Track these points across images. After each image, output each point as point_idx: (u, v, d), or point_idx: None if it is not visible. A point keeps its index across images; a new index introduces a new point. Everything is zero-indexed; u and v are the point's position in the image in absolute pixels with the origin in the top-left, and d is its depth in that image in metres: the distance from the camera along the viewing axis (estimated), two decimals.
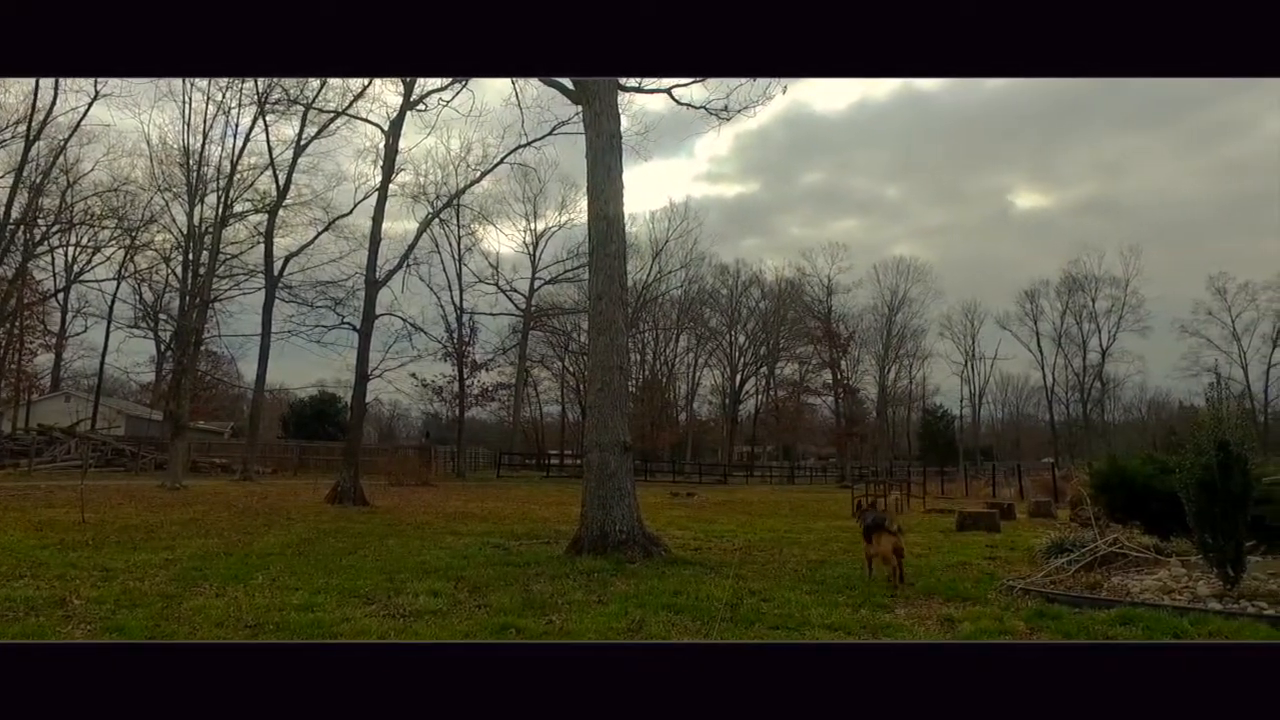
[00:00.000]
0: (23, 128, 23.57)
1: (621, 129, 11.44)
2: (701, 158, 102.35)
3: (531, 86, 20.54)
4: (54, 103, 22.74)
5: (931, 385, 72.63)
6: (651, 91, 14.34)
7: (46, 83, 22.15)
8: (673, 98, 14.19)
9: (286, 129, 33.58)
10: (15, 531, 10.83)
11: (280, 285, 33.49)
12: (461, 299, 45.06)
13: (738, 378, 64.26)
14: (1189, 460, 6.34)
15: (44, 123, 23.17)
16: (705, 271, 61.38)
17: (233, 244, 34.36)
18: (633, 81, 13.97)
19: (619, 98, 11.84)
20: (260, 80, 28.59)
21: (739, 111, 16.08)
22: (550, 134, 25.80)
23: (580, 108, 11.94)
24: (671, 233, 57.06)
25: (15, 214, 24.00)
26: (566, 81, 12.29)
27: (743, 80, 16.18)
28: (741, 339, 65.00)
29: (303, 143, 32.13)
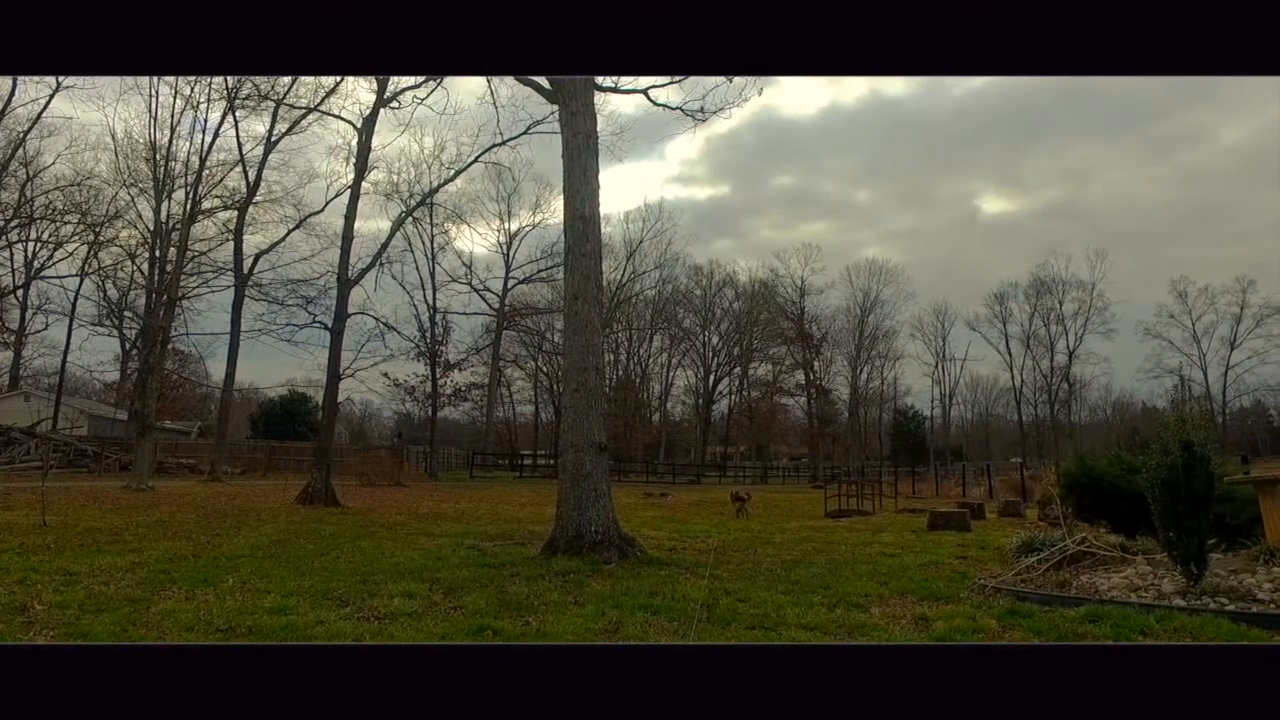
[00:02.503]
0: None
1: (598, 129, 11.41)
2: (673, 160, 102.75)
3: (506, 86, 20.53)
4: (12, 93, 22.40)
5: (903, 386, 73.62)
6: (628, 92, 14.36)
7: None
8: (649, 99, 14.21)
9: (257, 125, 33.32)
10: None
11: (250, 283, 33.04)
12: (434, 298, 44.76)
13: (711, 378, 64.50)
14: (1155, 460, 6.47)
15: (1, 114, 22.61)
16: (679, 272, 61.67)
17: (201, 241, 33.88)
18: (609, 81, 13.97)
19: (595, 98, 11.82)
20: (230, 75, 28.19)
21: (715, 113, 16.15)
22: (525, 133, 25.80)
23: (556, 107, 11.91)
24: (646, 233, 57.24)
25: None
26: (543, 81, 12.25)
27: (719, 82, 16.25)
28: (715, 339, 65.30)
29: (273, 139, 31.76)
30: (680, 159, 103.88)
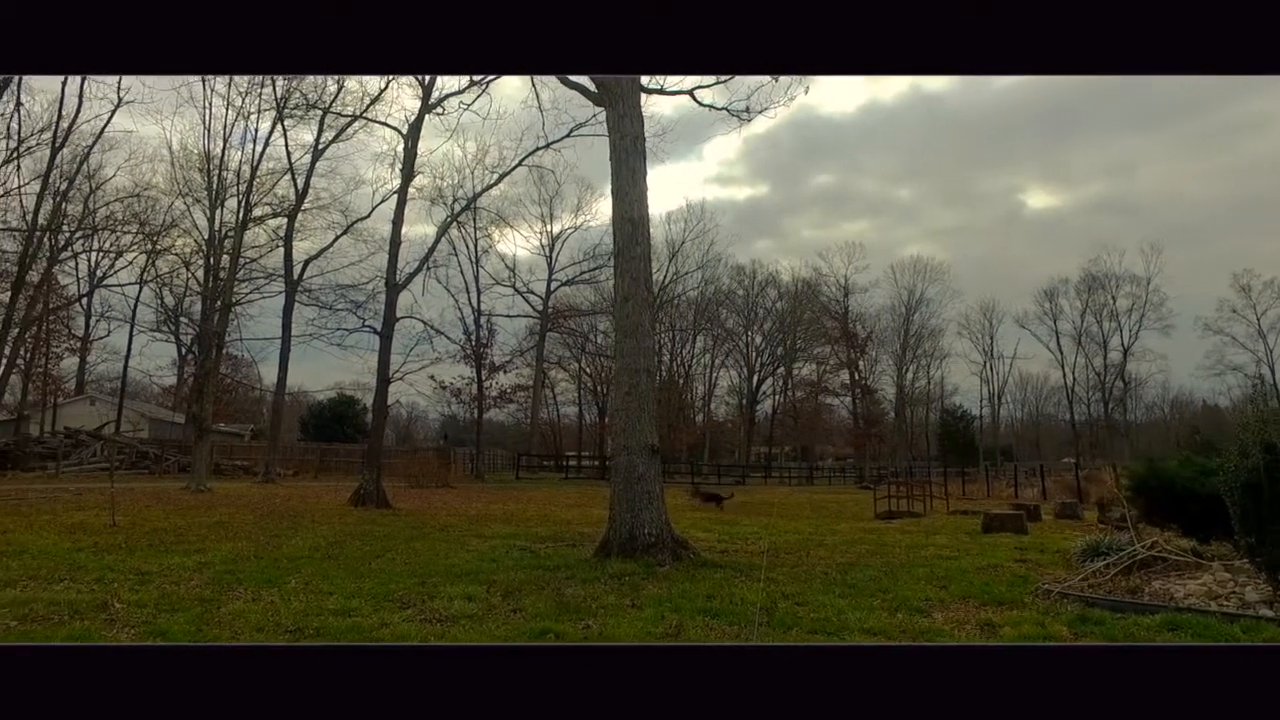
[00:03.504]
0: (48, 135, 23.86)
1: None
2: (711, 161, 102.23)
3: (548, 89, 20.65)
4: (78, 111, 23.06)
5: (950, 385, 72.24)
6: (674, 93, 14.33)
7: (71, 90, 22.53)
8: (695, 99, 14.17)
9: (305, 134, 33.91)
10: (50, 534, 10.94)
11: (300, 289, 33.72)
12: (479, 301, 45.22)
13: (755, 378, 64.13)
14: (1233, 462, 6.24)
15: (68, 130, 23.45)
16: (721, 272, 61.36)
17: (252, 248, 34.67)
18: (655, 83, 13.97)
19: (640, 100, 11.82)
20: (279, 85, 28.81)
21: (759, 112, 16.04)
22: (567, 136, 25.88)
23: (599, 110, 11.94)
24: (688, 234, 57.07)
25: (42, 221, 24.24)
26: (589, 83, 12.28)
27: (764, 81, 16.14)
28: (758, 340, 64.90)
29: (321, 147, 32.35)
30: (719, 159, 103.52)
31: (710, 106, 14.78)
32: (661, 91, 14.30)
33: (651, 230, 10.92)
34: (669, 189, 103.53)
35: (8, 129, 23.21)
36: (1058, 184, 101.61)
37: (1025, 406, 78.97)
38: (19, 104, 22.51)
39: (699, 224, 58.20)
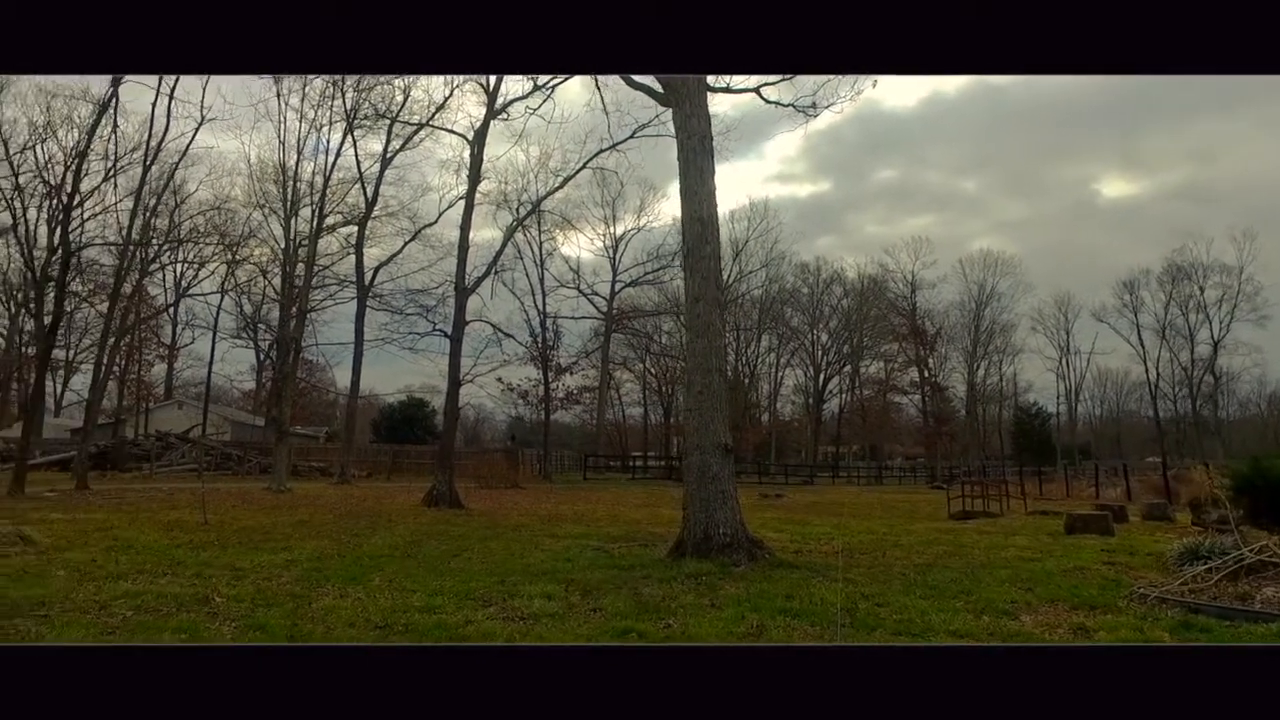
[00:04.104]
0: (139, 154, 25.07)
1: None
2: (772, 158, 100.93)
3: (611, 90, 20.74)
4: (166, 129, 24.13)
5: (1023, 382, 69.86)
6: (740, 91, 14.24)
7: (160, 110, 23.61)
8: (760, 96, 14.09)
9: (374, 143, 34.66)
10: (150, 531, 11.49)
11: (371, 294, 34.62)
12: (544, 304, 45.75)
13: (821, 377, 63.27)
14: None
15: (157, 149, 24.58)
16: (785, 271, 60.68)
17: (325, 255, 35.72)
18: (721, 81, 13.92)
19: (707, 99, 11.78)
20: (348, 96, 29.63)
21: (826, 107, 15.85)
22: (631, 137, 25.88)
23: (660, 110, 11.97)
24: (751, 232, 56.58)
25: (134, 236, 25.47)
26: (654, 83, 12.31)
27: (831, 75, 15.92)
28: (824, 338, 63.97)
29: (389, 155, 33.13)
30: (780, 157, 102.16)
31: (776, 103, 14.68)
32: (728, 90, 14.24)
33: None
34: (731, 187, 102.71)
35: (105, 151, 24.45)
36: (1134, 171, 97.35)
37: (1104, 403, 75.93)
38: (115, 126, 23.66)
39: (762, 222, 57.39)
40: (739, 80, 14.16)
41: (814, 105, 15.39)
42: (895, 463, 64.57)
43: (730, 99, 25.73)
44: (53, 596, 6.50)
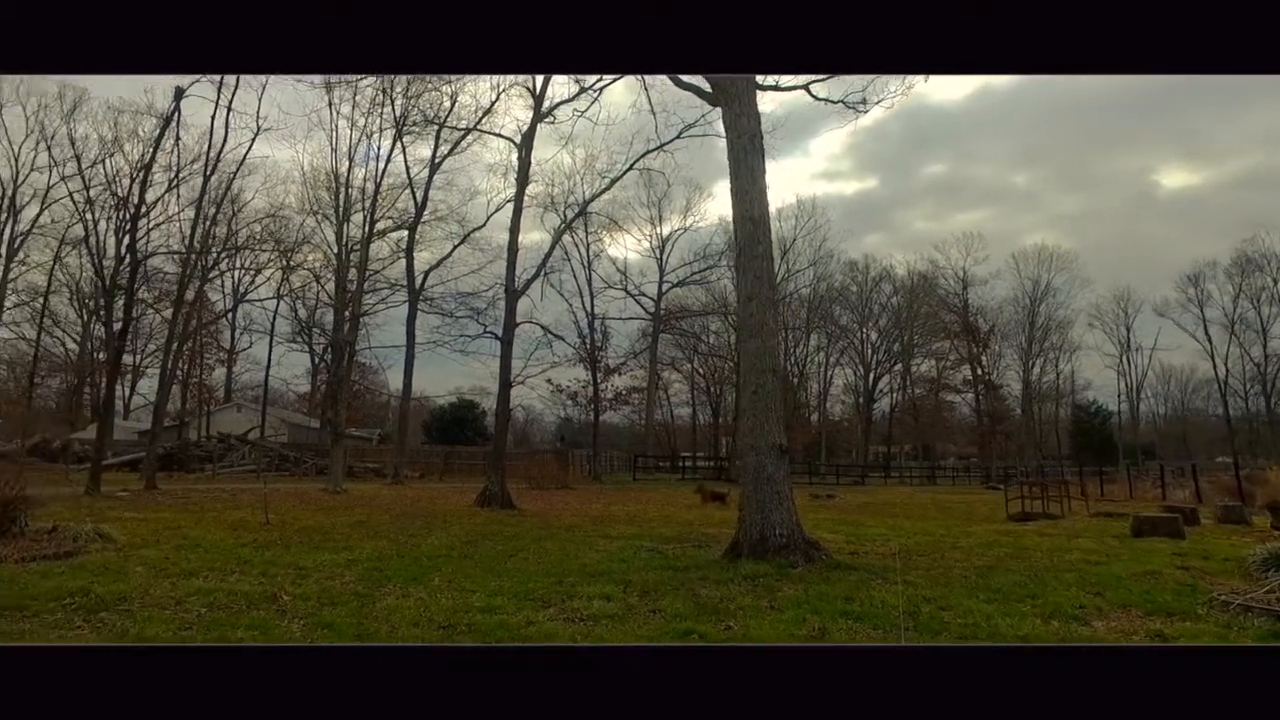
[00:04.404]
0: (198, 165, 25.88)
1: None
2: (817, 156, 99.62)
3: (656, 91, 20.71)
4: (225, 140, 24.84)
5: (1081, 379, 67.85)
6: (789, 89, 14.10)
7: (219, 122, 24.31)
8: (810, 93, 13.95)
9: (423, 149, 35.26)
10: (217, 531, 11.83)
11: (422, 298, 35.17)
12: (592, 305, 45.98)
13: (871, 376, 62.38)
14: None
15: (216, 160, 25.33)
16: (834, 269, 59.94)
17: (377, 260, 36.38)
18: (769, 80, 13.81)
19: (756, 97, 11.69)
20: (398, 104, 30.15)
21: (877, 103, 15.62)
22: (678, 137, 25.87)
23: (707, 110, 11.90)
24: (799, 231, 55.97)
25: (196, 244, 26.31)
26: (703, 83, 12.27)
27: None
28: (874, 336, 63.04)
29: (437, 161, 33.63)
30: (826, 154, 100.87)
31: (825, 100, 14.52)
32: (776, 88, 14.11)
33: None
34: (777, 186, 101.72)
35: (168, 163, 25.31)
36: (1195, 160, 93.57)
37: (1168, 401, 73.29)
38: (177, 138, 24.48)
39: (809, 220, 56.72)
40: (787, 78, 14.04)
41: (864, 101, 15.21)
42: (948, 463, 63.38)
43: (775, 96, 25.46)
44: (132, 592, 6.73)
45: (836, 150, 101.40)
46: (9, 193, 44.25)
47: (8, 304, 45.59)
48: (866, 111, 15.65)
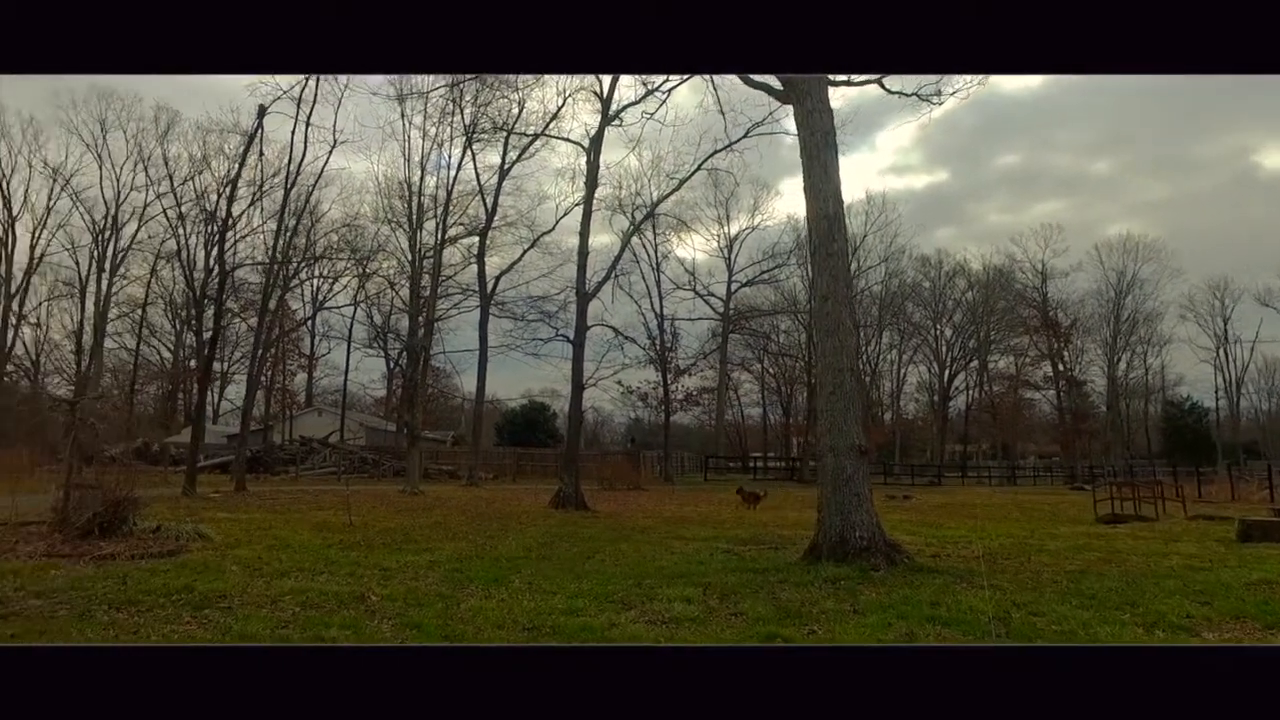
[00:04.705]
0: (279, 179, 26.94)
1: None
2: (885, 150, 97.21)
3: (724, 90, 20.58)
4: (304, 154, 25.77)
5: (1173, 374, 64.50)
6: (861, 83, 13.82)
7: (298, 137, 25.27)
8: (883, 86, 13.64)
9: (492, 155, 35.85)
10: (303, 531, 12.25)
11: (493, 302, 35.77)
12: (661, 306, 46.04)
13: (946, 373, 60.76)
14: None
15: (296, 173, 26.30)
16: (905, 265, 58.54)
17: (449, 266, 37.17)
18: (841, 75, 13.57)
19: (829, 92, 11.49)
20: (467, 112, 30.72)
21: (951, 94, 15.20)
22: (745, 136, 25.64)
23: (774, 107, 11.76)
24: (869, 227, 54.84)
25: (278, 254, 27.38)
26: (774, 81, 12.13)
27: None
28: (948, 332, 61.35)
29: (506, 167, 34.15)
30: (894, 148, 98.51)
31: (899, 93, 14.20)
32: (848, 83, 13.85)
33: None
34: (846, 182, 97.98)
35: (252, 178, 26.46)
36: None
37: (1272, 397, 69.11)
38: (261, 154, 25.54)
39: (880, 215, 55.40)
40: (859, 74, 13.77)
41: (938, 92, 14.82)
42: (1028, 462, 61.19)
43: (842, 91, 24.93)
44: (231, 590, 7.02)
45: (905, 143, 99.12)
46: (111, 212, 47.11)
47: (110, 316, 48.36)
48: (941, 103, 15.27)
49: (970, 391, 62.67)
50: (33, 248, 46.75)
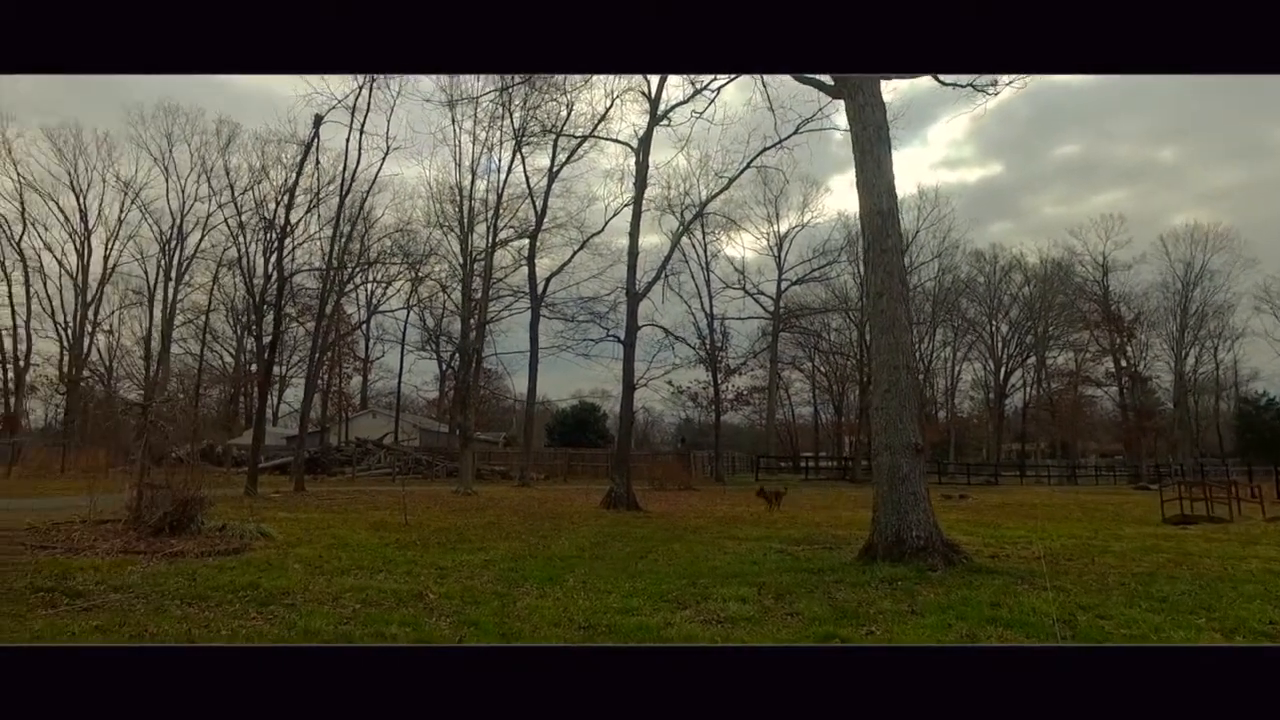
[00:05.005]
0: (334, 186, 27.56)
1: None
2: (937, 144, 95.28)
3: (773, 87, 20.41)
4: (358, 162, 26.33)
5: (1246, 369, 61.84)
6: (914, 76, 13.57)
7: (352, 145, 25.80)
8: (938, 79, 13.37)
9: (541, 158, 36.15)
10: (361, 531, 12.50)
11: (544, 304, 36.07)
12: (711, 305, 45.92)
13: (1002, 370, 59.36)
14: None
15: (351, 180, 26.87)
16: (959, 260, 57.33)
17: (500, 268, 37.59)
18: (897, 74, 13.33)
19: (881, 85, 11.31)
20: (516, 116, 31.01)
21: (1008, 84, 14.80)
22: (795, 133, 25.37)
23: (824, 102, 11.60)
24: (921, 222, 53.87)
25: (334, 260, 28.02)
26: (825, 76, 12.00)
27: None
28: (1004, 328, 59.94)
29: (555, 169, 34.40)
30: (946, 141, 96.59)
31: (954, 85, 13.88)
32: (901, 76, 13.62)
33: None
34: (897, 176, 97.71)
35: (309, 186, 27.15)
36: None
37: None
38: (317, 163, 26.15)
39: (933, 210, 54.24)
40: None
41: (994, 82, 14.43)
42: (1090, 461, 59.38)
43: (890, 84, 24.49)
44: (294, 587, 7.20)
45: (958, 136, 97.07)
46: (177, 222, 49.10)
47: (176, 322, 50.22)
48: (997, 93, 14.87)
49: (1027, 389, 61.16)
50: (106, 259, 49.15)
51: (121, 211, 49.27)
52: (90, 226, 48.90)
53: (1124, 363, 56.57)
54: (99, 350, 50.25)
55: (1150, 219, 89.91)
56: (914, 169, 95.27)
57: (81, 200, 48.54)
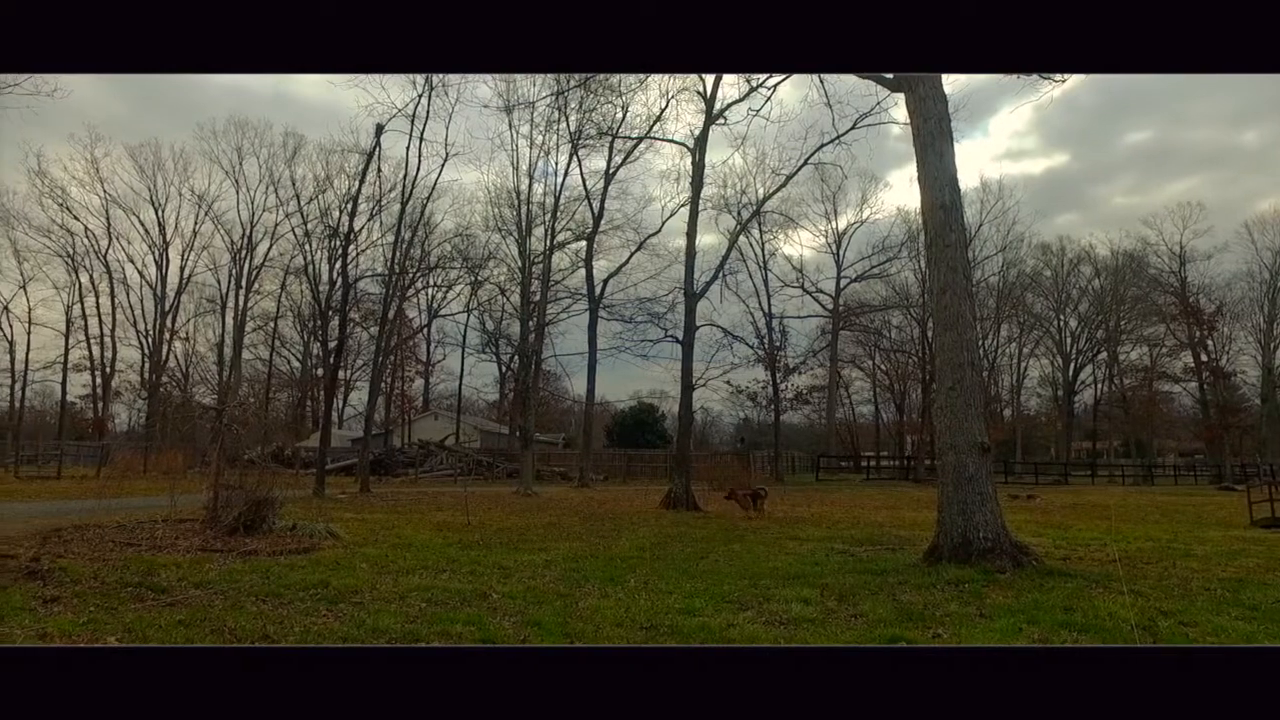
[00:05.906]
0: (395, 193, 28.17)
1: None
2: (999, 135, 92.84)
3: (830, 83, 20.12)
4: (418, 169, 26.87)
5: None
6: (978, 73, 13.20)
7: (412, 152, 26.35)
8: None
9: (598, 161, 36.43)
10: (424, 530, 12.75)
11: (602, 305, 36.27)
12: (769, 304, 45.58)
13: (1071, 366, 57.51)
14: None
15: (411, 186, 27.43)
16: (1025, 254, 55.70)
17: (558, 271, 37.94)
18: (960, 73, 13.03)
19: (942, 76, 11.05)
20: (572, 119, 31.25)
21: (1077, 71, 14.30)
22: (853, 128, 24.99)
23: (882, 96, 11.37)
24: (984, 215, 52.55)
25: (396, 266, 28.63)
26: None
27: None
28: (1073, 323, 58.10)
29: (611, 171, 34.56)
30: (1008, 132, 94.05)
31: (1019, 74, 13.47)
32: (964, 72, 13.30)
33: None
34: (959, 170, 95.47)
35: (371, 193, 27.83)
36: None
37: None
38: (379, 171, 26.79)
39: (996, 204, 52.82)
40: None
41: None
42: (1167, 460, 57.05)
43: (950, 75, 23.81)
44: (362, 586, 7.38)
45: (1020, 127, 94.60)
46: (247, 232, 51.07)
47: (246, 329, 52.15)
48: (1063, 81, 14.39)
49: (1099, 385, 59.18)
50: (182, 269, 51.49)
51: (196, 223, 51.66)
52: (168, 238, 51.31)
53: (1204, 357, 54.14)
54: (176, 357, 52.54)
55: (1232, 206, 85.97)
56: (976, 161, 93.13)
57: (160, 214, 50.97)
